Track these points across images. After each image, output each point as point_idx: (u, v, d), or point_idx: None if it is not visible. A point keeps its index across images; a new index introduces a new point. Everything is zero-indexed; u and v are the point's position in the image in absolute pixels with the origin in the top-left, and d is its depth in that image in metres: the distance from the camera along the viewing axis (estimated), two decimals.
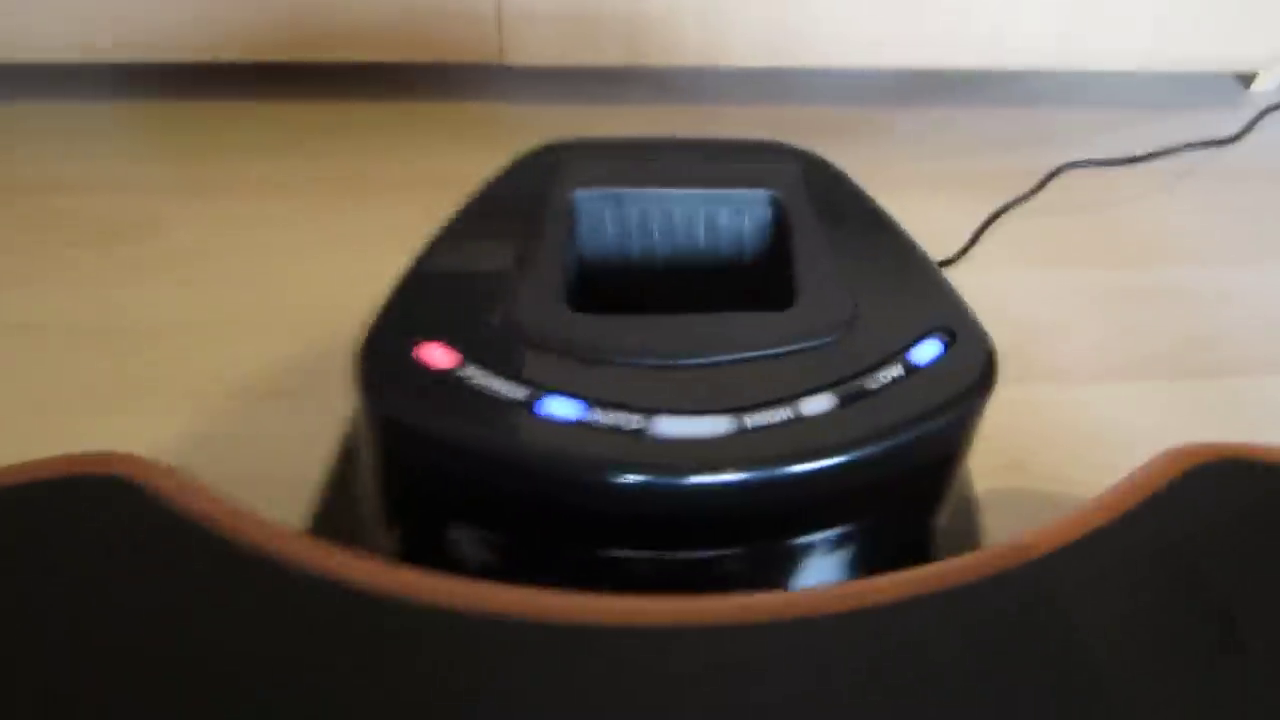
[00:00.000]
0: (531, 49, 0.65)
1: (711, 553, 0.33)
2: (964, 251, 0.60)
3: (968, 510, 0.44)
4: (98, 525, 0.28)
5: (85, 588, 0.26)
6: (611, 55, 0.66)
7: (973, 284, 0.59)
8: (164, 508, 0.28)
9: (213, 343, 0.54)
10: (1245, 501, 0.31)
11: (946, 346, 0.34)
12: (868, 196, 0.39)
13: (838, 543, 0.34)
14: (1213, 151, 0.69)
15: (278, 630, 0.25)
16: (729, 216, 0.38)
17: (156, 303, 0.56)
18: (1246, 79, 0.77)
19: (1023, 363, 0.56)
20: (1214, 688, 0.25)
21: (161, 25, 0.63)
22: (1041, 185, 0.64)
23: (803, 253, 0.36)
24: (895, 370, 0.33)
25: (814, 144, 0.68)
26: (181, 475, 0.29)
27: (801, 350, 0.33)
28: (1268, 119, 0.71)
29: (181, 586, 0.26)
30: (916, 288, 0.36)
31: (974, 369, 0.33)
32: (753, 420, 0.31)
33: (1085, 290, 0.60)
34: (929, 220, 0.63)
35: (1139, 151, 0.67)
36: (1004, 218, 0.62)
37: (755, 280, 0.38)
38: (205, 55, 0.65)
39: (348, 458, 0.41)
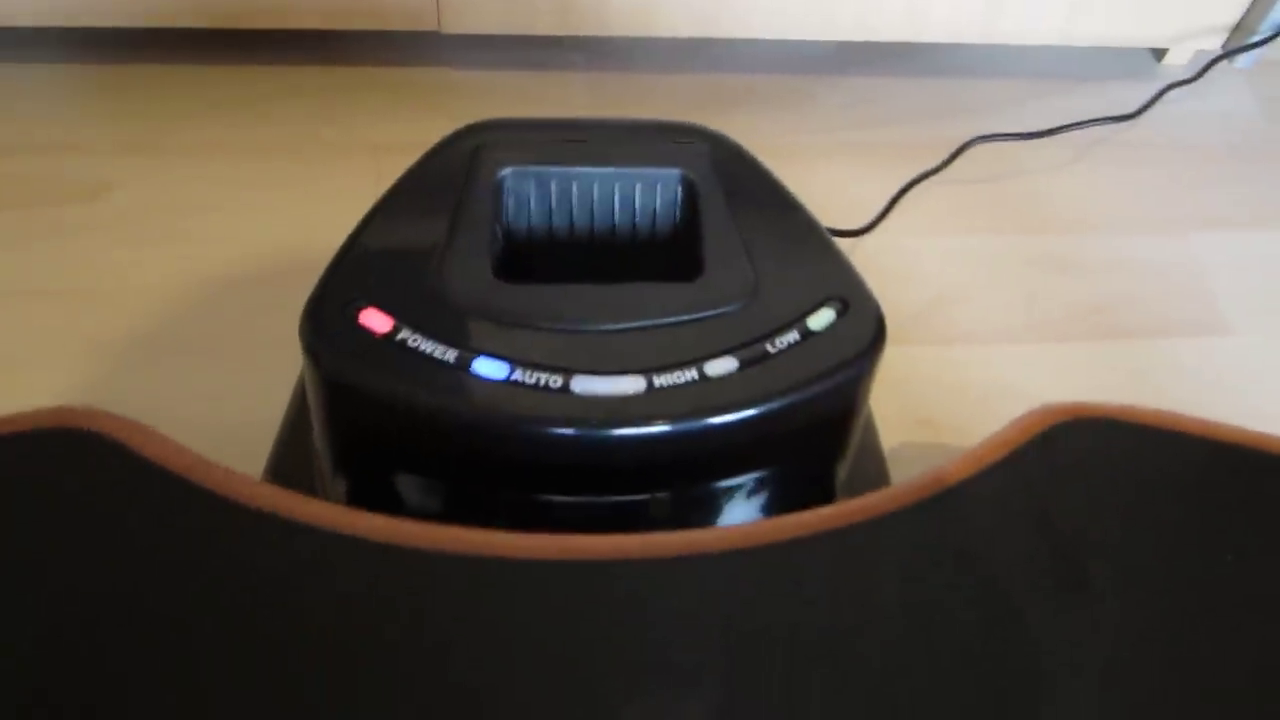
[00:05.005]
0: (468, 18, 0.67)
1: (629, 497, 0.36)
2: (879, 220, 0.63)
3: (876, 462, 0.47)
4: (75, 476, 0.30)
5: (66, 535, 0.28)
6: (545, 24, 0.68)
7: (887, 250, 0.63)
8: (134, 458, 0.30)
9: (159, 301, 0.56)
10: (1097, 453, 0.34)
11: (840, 314, 0.37)
12: (772, 175, 0.42)
13: (747, 489, 0.38)
14: (1116, 126, 0.73)
15: (247, 567, 0.28)
16: (643, 193, 0.40)
17: (105, 262, 0.58)
18: (1159, 53, 0.80)
19: (933, 325, 0.60)
20: (1064, 614, 0.29)
21: None
22: (952, 158, 0.68)
23: (710, 227, 0.39)
24: (792, 336, 0.36)
25: (739, 112, 0.72)
26: (147, 428, 0.31)
27: (707, 317, 0.36)
28: (1171, 94, 0.74)
29: (154, 530, 0.29)
30: (814, 260, 0.39)
31: (865, 335, 0.37)
32: (662, 380, 0.34)
33: (992, 257, 0.64)
34: (847, 188, 0.67)
35: (1046, 125, 0.71)
36: (916, 188, 0.66)
37: (667, 253, 0.41)
38: (153, 20, 0.66)
39: (298, 413, 0.44)
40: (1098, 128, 0.72)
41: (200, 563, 0.28)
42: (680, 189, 0.41)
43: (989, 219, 0.66)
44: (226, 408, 0.51)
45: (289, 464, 0.42)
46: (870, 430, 0.48)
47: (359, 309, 0.35)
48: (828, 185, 0.66)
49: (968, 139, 0.69)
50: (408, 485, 0.37)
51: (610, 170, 0.40)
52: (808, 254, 0.39)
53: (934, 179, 0.67)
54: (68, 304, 0.56)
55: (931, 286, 0.62)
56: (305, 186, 0.64)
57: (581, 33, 0.69)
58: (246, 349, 0.54)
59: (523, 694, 0.26)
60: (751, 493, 0.38)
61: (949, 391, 0.57)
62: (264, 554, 0.29)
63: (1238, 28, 0.74)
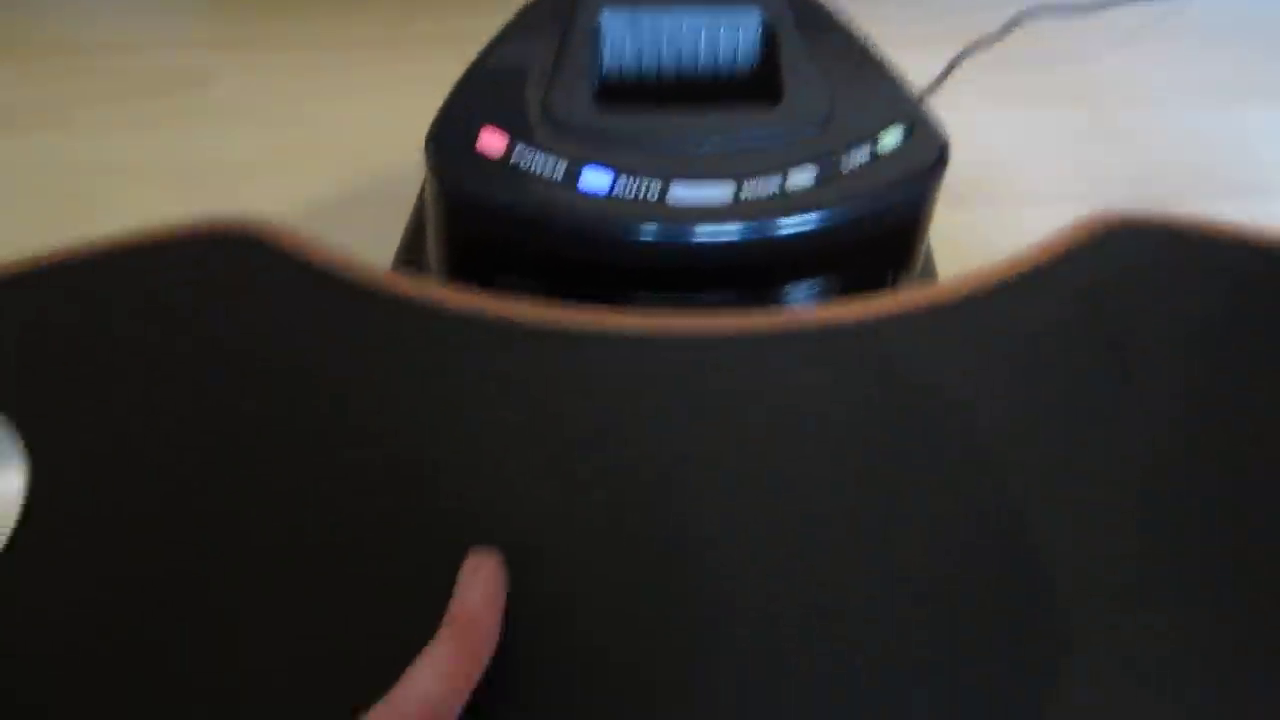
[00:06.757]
0: None
1: (716, 296, 0.40)
2: (930, 90, 0.66)
3: None
4: (241, 272, 0.34)
5: (241, 324, 0.33)
6: None
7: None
8: (289, 256, 0.35)
9: (261, 180, 0.60)
10: (1145, 257, 0.37)
11: (907, 136, 0.41)
12: (842, 17, 0.45)
13: (820, 296, 0.41)
14: (1168, 4, 0.74)
15: (396, 346, 0.32)
16: (727, 31, 0.44)
17: (210, 145, 0.62)
18: None
19: (984, 190, 0.62)
20: (1109, 405, 0.32)
21: None
22: (1003, 32, 0.70)
23: (788, 60, 0.43)
24: (864, 154, 0.40)
25: None
26: (299, 233, 0.35)
27: (787, 137, 0.40)
28: None
29: (313, 317, 0.33)
30: (882, 90, 0.43)
31: (930, 154, 0.40)
32: (749, 189, 0.38)
33: (1042, 129, 0.66)
34: (898, 63, 0.69)
35: (1098, 2, 0.72)
36: (967, 62, 0.68)
37: (749, 84, 0.45)
38: None
39: (414, 237, 0.48)
40: (1149, 5, 0.73)
41: (350, 342, 0.32)
42: (760, 27, 0.44)
43: (1039, 93, 0.68)
44: None
45: None
46: (930, 270, 0.51)
47: (477, 130, 0.39)
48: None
49: (1015, 14, 0.71)
50: (516, 289, 0.41)
51: (698, 10, 0.44)
52: (876, 85, 0.43)
53: (985, 54, 0.69)
54: (175, 182, 0.59)
55: (982, 155, 0.63)
56: (397, 75, 0.67)
57: None
58: (337, 226, 0.58)
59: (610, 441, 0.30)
60: (824, 298, 0.42)
61: (999, 252, 0.59)
62: (408, 334, 0.33)
63: None
